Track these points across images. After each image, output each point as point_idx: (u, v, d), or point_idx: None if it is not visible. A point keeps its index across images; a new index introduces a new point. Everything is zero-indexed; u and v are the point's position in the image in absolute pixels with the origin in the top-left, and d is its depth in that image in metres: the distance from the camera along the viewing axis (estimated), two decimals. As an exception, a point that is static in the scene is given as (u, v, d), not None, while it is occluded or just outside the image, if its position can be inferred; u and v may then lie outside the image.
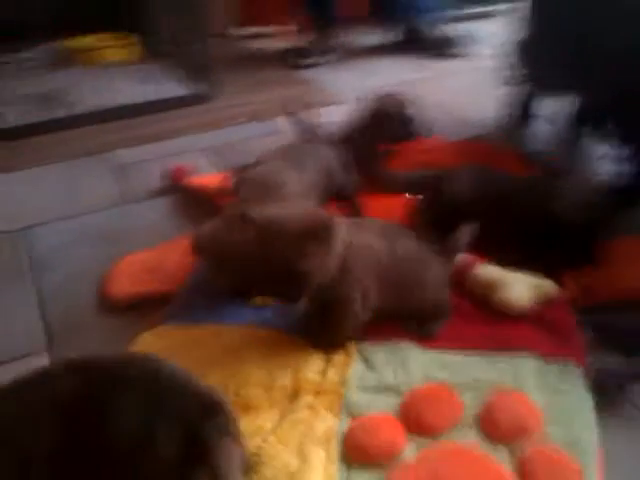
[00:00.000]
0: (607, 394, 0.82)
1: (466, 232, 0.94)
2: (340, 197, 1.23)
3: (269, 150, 1.24)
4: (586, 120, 1.43)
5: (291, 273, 0.77)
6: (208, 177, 1.39)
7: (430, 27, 2.34)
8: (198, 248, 0.97)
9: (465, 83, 2.04)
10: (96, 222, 1.30)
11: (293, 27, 2.63)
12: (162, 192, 1.40)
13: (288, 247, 0.77)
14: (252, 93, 2.01)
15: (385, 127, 1.30)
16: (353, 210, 1.22)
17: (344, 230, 0.83)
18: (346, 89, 1.98)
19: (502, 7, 2.78)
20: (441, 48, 2.30)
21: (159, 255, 1.12)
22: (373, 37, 2.53)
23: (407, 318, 0.90)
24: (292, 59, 2.27)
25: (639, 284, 1.00)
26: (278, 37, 2.64)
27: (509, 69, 1.57)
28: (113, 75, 2.12)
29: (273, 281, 0.80)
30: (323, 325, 0.87)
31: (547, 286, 0.97)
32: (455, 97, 1.89)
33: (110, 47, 2.28)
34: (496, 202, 1.05)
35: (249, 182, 1.08)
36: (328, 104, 1.89)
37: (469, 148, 1.47)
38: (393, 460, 0.73)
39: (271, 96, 1.98)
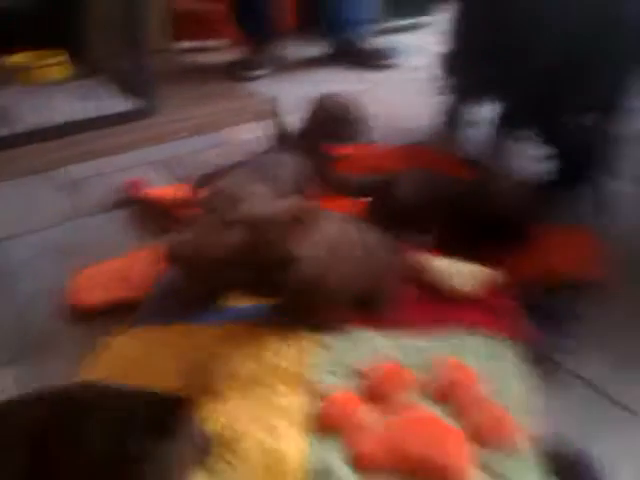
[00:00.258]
0: (539, 361, 0.94)
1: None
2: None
3: (235, 161, 1.32)
4: (509, 125, 1.57)
5: (282, 262, 0.84)
6: (162, 189, 1.45)
7: (360, 39, 2.44)
8: (173, 256, 1.02)
9: (400, 93, 2.17)
10: (53, 237, 1.34)
11: (231, 41, 2.72)
12: (117, 205, 1.44)
13: (279, 235, 0.84)
14: (196, 106, 2.06)
15: (329, 128, 1.39)
16: None
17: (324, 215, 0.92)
18: (289, 100, 2.07)
19: (429, 19, 2.96)
20: (372, 60, 2.41)
21: (123, 265, 1.17)
22: (309, 49, 2.64)
23: (364, 302, 0.99)
24: (237, 72, 2.34)
25: (562, 268, 1.13)
26: (219, 51, 2.72)
27: (438, 80, 1.71)
28: (52, 93, 2.12)
29: (259, 279, 0.86)
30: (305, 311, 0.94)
31: (485, 273, 1.09)
32: (391, 107, 2.01)
33: (48, 65, 2.29)
34: (440, 203, 1.17)
35: (219, 194, 1.15)
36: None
37: (412, 153, 1.58)
38: (356, 430, 0.81)
39: (215, 109, 2.05)
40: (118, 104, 1.99)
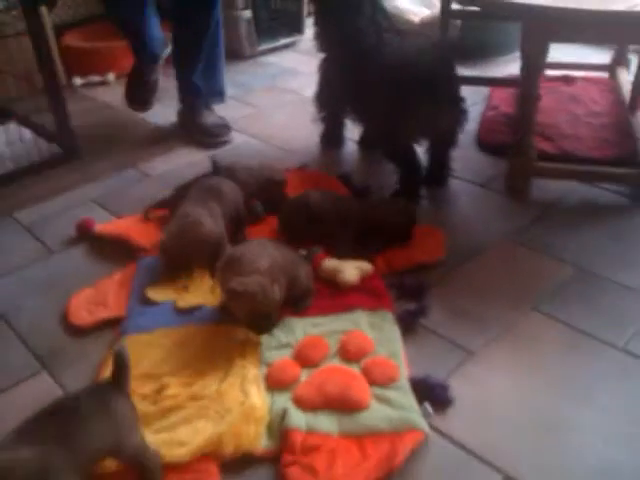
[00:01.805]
0: (405, 324, 1.41)
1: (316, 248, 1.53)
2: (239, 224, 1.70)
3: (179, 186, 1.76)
4: (365, 146, 2.10)
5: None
6: (112, 223, 1.80)
7: (200, 111, 2.35)
8: (165, 249, 1.46)
9: (288, 117, 2.53)
10: (29, 276, 1.66)
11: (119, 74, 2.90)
12: (74, 242, 1.77)
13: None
14: (112, 145, 2.34)
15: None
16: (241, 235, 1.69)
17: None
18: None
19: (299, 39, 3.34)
20: (206, 137, 2.31)
21: (99, 290, 1.53)
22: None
23: (289, 300, 1.42)
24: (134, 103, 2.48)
25: (419, 257, 1.62)
26: (109, 84, 2.94)
27: (314, 108, 2.17)
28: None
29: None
30: (256, 318, 1.33)
31: (366, 266, 1.55)
32: (281, 130, 2.41)
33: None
34: (337, 215, 1.63)
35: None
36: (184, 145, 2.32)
37: (305, 176, 2.01)
38: (295, 383, 1.26)
39: (129, 145, 2.35)
40: (41, 150, 2.19)
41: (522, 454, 1.13)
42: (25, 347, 1.42)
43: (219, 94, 2.43)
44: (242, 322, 1.34)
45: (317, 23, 2.03)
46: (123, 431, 1.02)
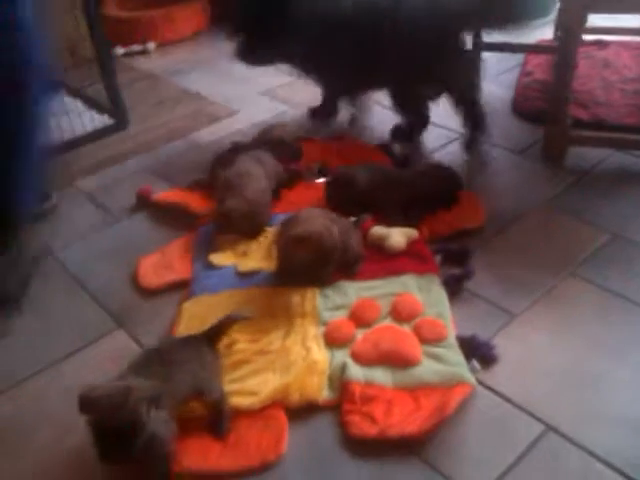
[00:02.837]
0: (451, 288, 1.51)
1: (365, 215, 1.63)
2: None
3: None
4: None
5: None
6: (171, 191, 1.91)
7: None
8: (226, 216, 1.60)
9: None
10: (96, 242, 1.78)
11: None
12: (135, 210, 1.89)
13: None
14: (160, 115, 2.43)
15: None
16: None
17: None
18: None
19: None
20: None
21: (166, 255, 1.66)
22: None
23: (341, 265, 1.53)
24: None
25: (460, 224, 1.70)
26: (149, 54, 3.01)
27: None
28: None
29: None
30: (316, 272, 1.47)
31: (411, 233, 1.65)
32: (318, 98, 2.46)
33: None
34: (384, 191, 1.72)
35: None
36: (229, 115, 2.41)
37: (344, 146, 2.10)
38: (351, 341, 1.37)
39: (175, 115, 2.44)
40: (94, 120, 2.29)
41: (561, 406, 1.24)
42: (100, 307, 1.55)
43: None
44: (301, 276, 1.47)
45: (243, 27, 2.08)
46: (211, 377, 1.19)
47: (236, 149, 1.95)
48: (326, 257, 1.43)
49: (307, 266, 1.43)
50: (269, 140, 1.94)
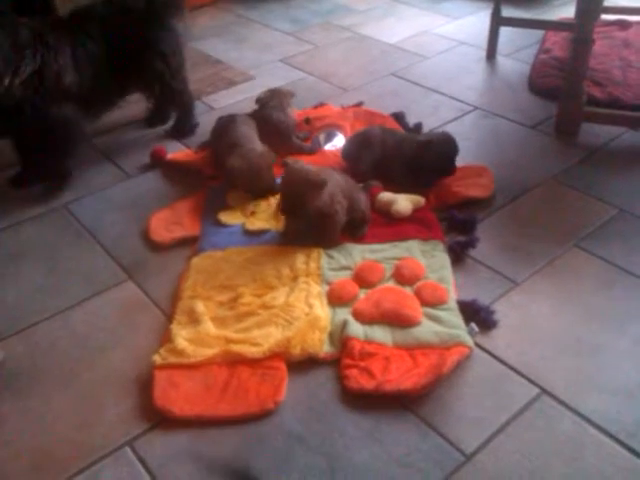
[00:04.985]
0: (455, 254, 1.53)
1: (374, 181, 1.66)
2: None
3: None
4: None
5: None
6: (184, 152, 1.94)
7: None
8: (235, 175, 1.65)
9: (344, 55, 2.59)
10: (110, 196, 1.82)
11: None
12: (149, 169, 1.92)
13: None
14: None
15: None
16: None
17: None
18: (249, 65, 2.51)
19: None
20: None
21: (176, 211, 1.69)
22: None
23: (349, 226, 1.56)
24: None
25: (468, 193, 1.72)
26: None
27: None
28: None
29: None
30: (321, 234, 1.50)
31: (418, 199, 1.67)
32: (337, 68, 2.49)
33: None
34: (396, 148, 1.73)
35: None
36: (245, 80, 2.42)
37: (361, 113, 2.11)
38: (354, 300, 1.40)
39: (191, 78, 2.45)
40: None
41: (557, 372, 1.26)
42: (111, 259, 1.59)
43: None
44: (310, 236, 1.52)
45: None
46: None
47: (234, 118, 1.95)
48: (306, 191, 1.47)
49: (294, 196, 1.48)
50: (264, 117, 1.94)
